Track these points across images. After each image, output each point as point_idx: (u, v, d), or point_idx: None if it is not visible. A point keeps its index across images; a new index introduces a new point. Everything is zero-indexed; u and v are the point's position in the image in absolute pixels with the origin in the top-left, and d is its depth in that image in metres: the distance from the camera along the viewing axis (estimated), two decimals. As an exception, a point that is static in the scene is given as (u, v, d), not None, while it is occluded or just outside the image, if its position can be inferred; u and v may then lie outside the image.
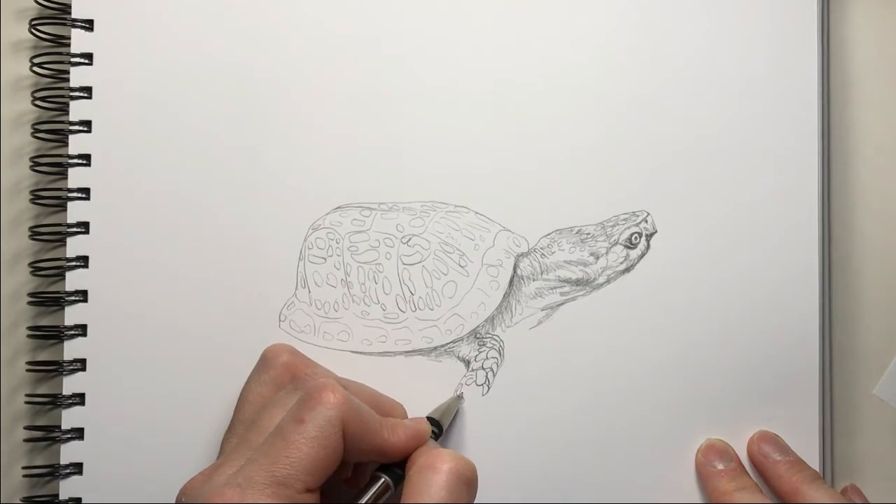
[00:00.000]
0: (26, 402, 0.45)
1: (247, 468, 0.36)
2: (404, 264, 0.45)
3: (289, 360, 0.42)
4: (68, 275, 0.45)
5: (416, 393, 0.44)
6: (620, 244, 0.45)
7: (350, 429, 0.37)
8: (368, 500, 0.38)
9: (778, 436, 0.44)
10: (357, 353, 0.45)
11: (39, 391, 0.46)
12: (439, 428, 0.42)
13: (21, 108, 0.47)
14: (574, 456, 0.44)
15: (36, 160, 0.46)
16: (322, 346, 0.45)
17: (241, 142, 0.45)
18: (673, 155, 0.45)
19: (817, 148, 0.45)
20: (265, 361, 0.42)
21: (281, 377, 0.41)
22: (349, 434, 0.37)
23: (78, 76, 0.45)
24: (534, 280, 0.45)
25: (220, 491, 0.35)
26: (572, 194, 0.45)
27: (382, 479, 0.39)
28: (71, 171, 0.45)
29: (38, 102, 0.46)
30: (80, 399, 0.45)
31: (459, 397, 0.44)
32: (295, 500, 0.35)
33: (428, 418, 0.42)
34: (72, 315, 0.45)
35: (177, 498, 0.37)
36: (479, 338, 0.45)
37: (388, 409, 0.43)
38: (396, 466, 0.39)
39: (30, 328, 0.46)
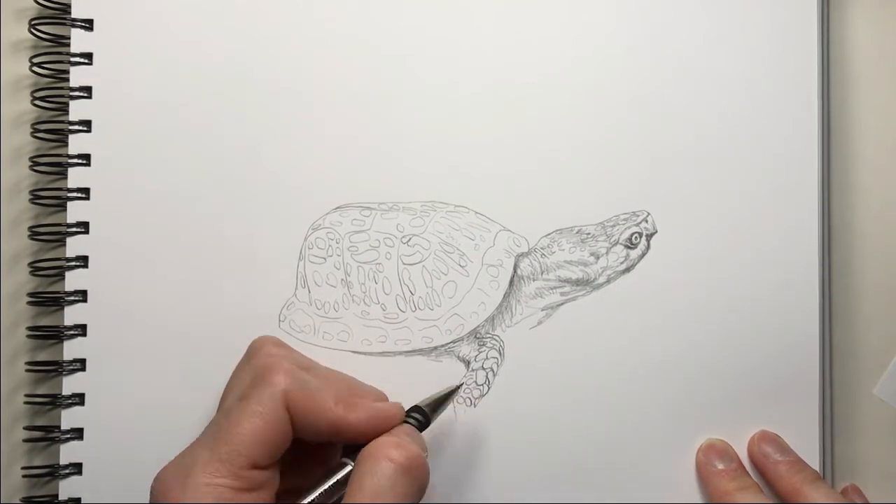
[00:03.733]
0: (26, 402, 0.45)
1: (193, 449, 0.36)
2: (404, 264, 0.45)
3: (273, 351, 0.42)
4: (68, 275, 0.45)
5: (417, 393, 0.44)
6: (621, 244, 0.45)
7: (295, 403, 0.37)
8: (330, 485, 0.38)
9: (778, 436, 0.44)
10: (357, 353, 0.45)
11: (39, 391, 0.46)
12: (425, 417, 0.41)
13: (21, 108, 0.47)
14: (574, 456, 0.44)
15: (36, 160, 0.46)
16: (322, 346, 0.45)
17: (241, 142, 0.45)
18: (673, 155, 0.45)
19: (817, 148, 0.45)
20: (250, 352, 0.42)
21: None
22: (294, 408, 0.37)
23: (78, 76, 0.45)
24: (534, 280, 0.45)
25: (169, 473, 0.36)
26: (572, 194, 0.45)
27: (347, 467, 0.38)
28: (71, 171, 0.45)
29: (37, 102, 0.46)
30: (79, 399, 0.45)
31: (455, 390, 0.43)
32: (242, 477, 0.35)
33: (414, 407, 0.41)
34: (72, 315, 0.45)
35: (151, 484, 0.38)
36: (479, 338, 0.45)
37: (363, 393, 0.42)
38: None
39: (29, 328, 0.46)
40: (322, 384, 0.39)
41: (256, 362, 0.40)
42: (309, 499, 0.37)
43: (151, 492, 0.37)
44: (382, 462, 0.36)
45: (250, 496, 0.36)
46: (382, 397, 0.43)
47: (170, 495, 0.35)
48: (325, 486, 0.38)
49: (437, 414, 0.42)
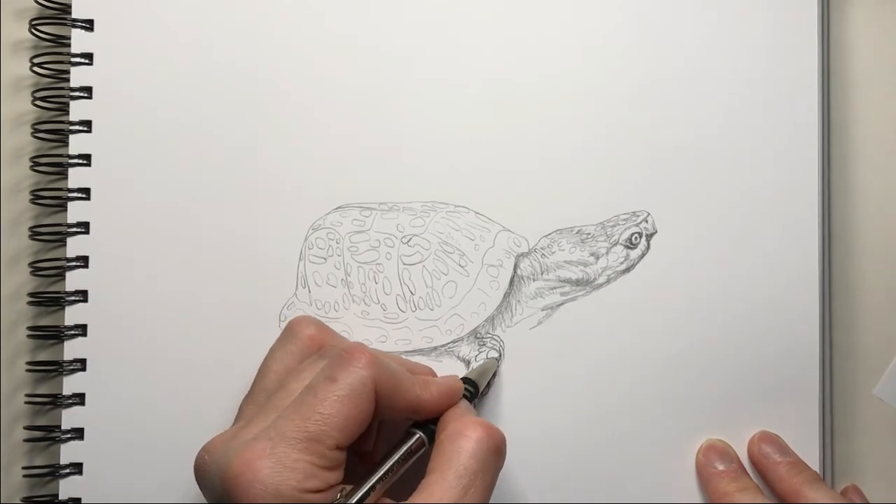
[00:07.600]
0: (26, 402, 0.45)
1: (278, 424, 0.36)
2: (404, 264, 0.45)
3: (315, 333, 0.42)
4: (68, 275, 0.45)
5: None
6: (621, 244, 0.45)
7: (381, 387, 0.37)
8: (402, 454, 0.38)
9: (778, 436, 0.44)
10: (357, 353, 0.45)
11: (39, 391, 0.46)
12: (475, 388, 0.42)
13: (21, 108, 0.47)
14: (574, 456, 0.44)
15: (36, 160, 0.46)
16: (322, 346, 0.45)
17: (241, 142, 0.45)
18: (673, 155, 0.45)
19: (817, 148, 0.45)
20: (291, 333, 0.42)
21: (307, 349, 0.41)
22: (381, 392, 0.37)
23: (78, 76, 0.45)
24: (534, 280, 0.45)
25: (250, 445, 0.36)
26: (572, 194, 0.45)
27: (417, 435, 0.39)
28: (71, 171, 0.45)
29: (38, 102, 0.46)
30: (80, 399, 0.45)
31: (497, 358, 0.44)
32: (325, 456, 0.36)
33: (463, 379, 0.42)
34: (72, 315, 0.45)
35: (197, 457, 0.38)
36: (479, 338, 0.45)
37: (419, 371, 0.43)
38: (430, 423, 0.39)
39: (30, 328, 0.46)
40: (394, 364, 0.39)
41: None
42: (386, 467, 0.38)
43: (212, 464, 0.37)
44: (469, 441, 0.37)
45: (331, 475, 0.36)
46: (433, 372, 0.43)
47: (258, 465, 0.35)
48: (399, 453, 0.38)
49: (484, 384, 0.43)
